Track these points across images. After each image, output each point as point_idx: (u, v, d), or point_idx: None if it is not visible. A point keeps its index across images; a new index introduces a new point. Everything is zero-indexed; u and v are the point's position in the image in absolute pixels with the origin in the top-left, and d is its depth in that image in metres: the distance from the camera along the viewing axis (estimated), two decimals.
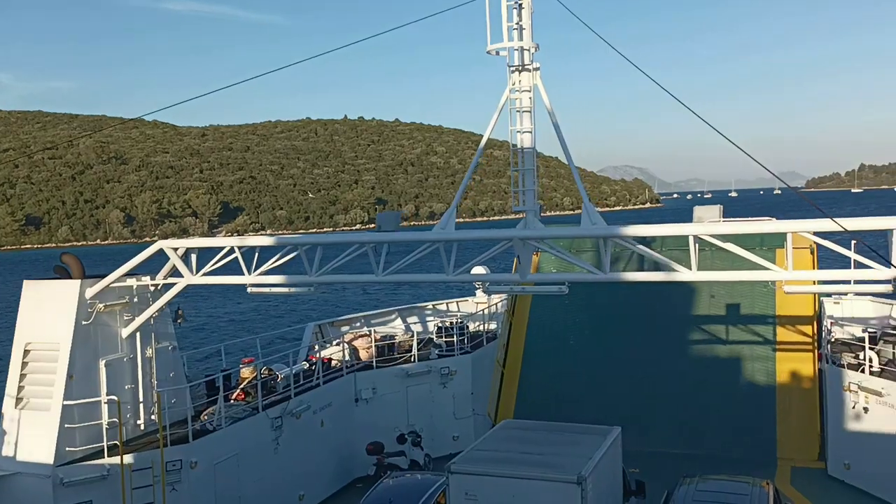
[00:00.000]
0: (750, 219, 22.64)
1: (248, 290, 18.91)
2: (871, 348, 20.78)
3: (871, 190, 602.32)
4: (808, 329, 25.18)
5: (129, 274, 18.58)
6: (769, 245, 23.22)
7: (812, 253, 23.76)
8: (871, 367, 20.57)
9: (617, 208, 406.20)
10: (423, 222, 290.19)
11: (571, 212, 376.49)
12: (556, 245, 18.64)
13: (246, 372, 20.77)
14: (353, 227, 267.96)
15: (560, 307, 27.71)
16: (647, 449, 20.18)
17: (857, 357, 21.22)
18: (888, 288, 15.57)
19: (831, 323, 23.95)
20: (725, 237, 16.34)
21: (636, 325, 27.31)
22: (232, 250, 18.28)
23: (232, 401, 20.00)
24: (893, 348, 20.75)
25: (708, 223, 16.45)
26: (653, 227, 16.90)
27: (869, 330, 21.81)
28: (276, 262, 18.37)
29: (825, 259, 23.35)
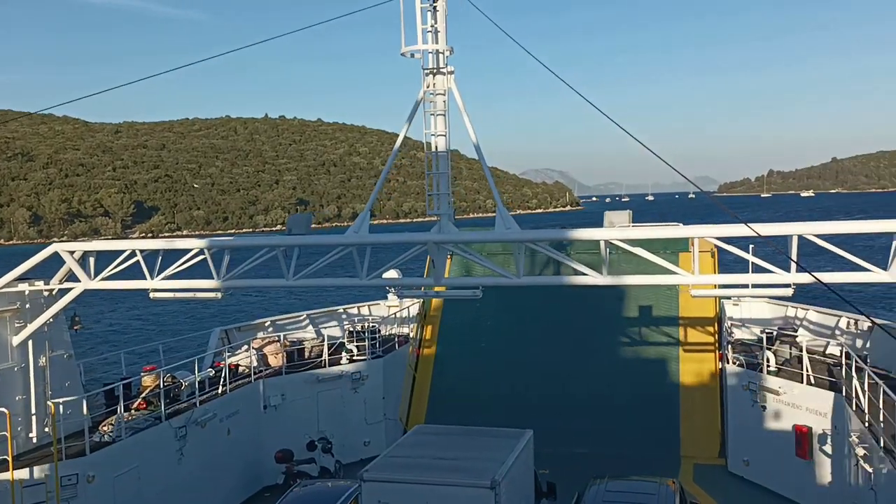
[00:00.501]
0: (657, 224, 23.22)
1: (151, 295, 18.12)
2: (768, 349, 21.54)
3: (779, 195, 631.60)
4: (710, 330, 25.98)
5: (22, 278, 17.53)
6: (673, 249, 23.88)
7: (713, 256, 24.54)
8: (768, 366, 21.31)
9: (538, 211, 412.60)
10: (345, 223, 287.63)
11: (494, 214, 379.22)
12: (469, 249, 18.59)
13: (148, 380, 19.87)
14: (274, 228, 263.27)
15: (472, 310, 27.73)
16: (557, 450, 20.37)
17: (755, 357, 21.95)
18: (789, 291, 16.13)
19: (731, 324, 24.73)
20: (635, 242, 16.62)
21: (547, 328, 27.60)
22: (133, 253, 17.47)
23: (133, 410, 19.13)
24: (790, 348, 21.54)
25: (618, 228, 16.71)
26: (564, 231, 17.06)
27: (766, 331, 22.68)
28: (181, 266, 17.65)
29: (723, 262, 24.07)
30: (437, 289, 19.80)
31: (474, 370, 27.29)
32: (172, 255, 17.86)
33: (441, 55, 17.45)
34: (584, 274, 16.82)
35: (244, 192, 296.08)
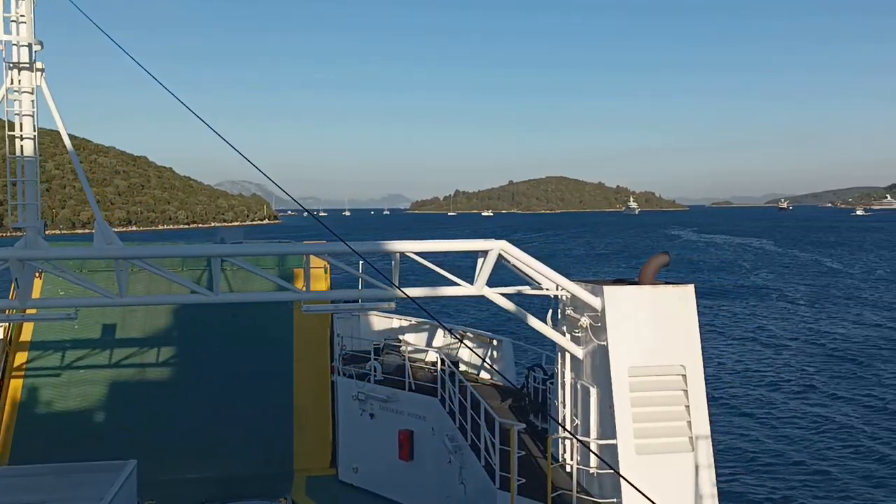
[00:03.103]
0: (273, 241, 23.34)
1: None
2: (375, 359, 22.54)
3: (464, 213, 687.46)
4: (323, 343, 26.43)
5: None
6: (289, 265, 24.03)
7: (326, 272, 25.20)
8: (375, 376, 22.29)
9: (235, 224, 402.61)
10: None
11: (187, 226, 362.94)
12: (65, 266, 16.84)
13: None
14: None
15: (69, 334, 25.32)
16: (166, 477, 19.30)
17: (364, 368, 22.78)
18: (392, 305, 17.02)
19: (343, 337, 25.48)
20: (248, 258, 16.31)
21: (155, 349, 26.12)
22: None
23: None
24: (401, 359, 22.73)
25: (231, 245, 16.29)
26: (172, 248, 16.25)
27: (374, 342, 23.72)
28: None
29: (338, 277, 24.62)
30: (22, 312, 17.65)
31: (71, 401, 24.78)
32: None
33: (26, 48, 15.63)
34: (196, 292, 16.14)
35: None
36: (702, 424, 14.27)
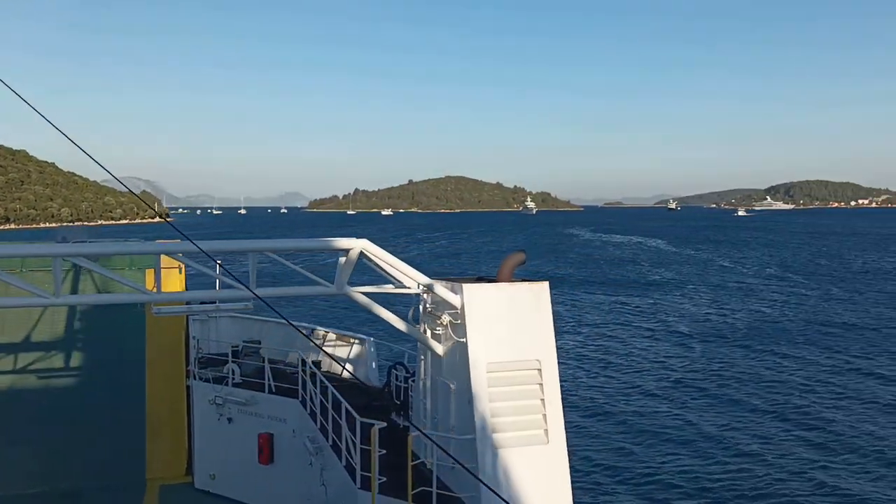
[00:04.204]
0: (121, 240, 22.22)
1: None
2: (234, 361, 21.87)
3: (363, 212, 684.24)
4: (177, 347, 25.15)
5: None
6: (139, 265, 22.98)
7: (181, 272, 24.24)
8: (234, 379, 21.65)
9: (123, 222, 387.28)
10: None
11: (71, 223, 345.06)
12: None
13: None
14: None
15: None
16: (5, 493, 18.03)
17: (222, 371, 22.08)
18: (249, 305, 16.51)
19: (198, 340, 24.65)
20: (91, 258, 15.42)
21: None
22: None
23: None
24: (260, 361, 22.12)
25: (73, 244, 15.32)
26: (8, 246, 15.12)
27: (232, 345, 23.04)
28: None
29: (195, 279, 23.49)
30: None
31: None
32: None
33: None
34: (36, 294, 15.15)
35: None
36: (556, 417, 14.56)
